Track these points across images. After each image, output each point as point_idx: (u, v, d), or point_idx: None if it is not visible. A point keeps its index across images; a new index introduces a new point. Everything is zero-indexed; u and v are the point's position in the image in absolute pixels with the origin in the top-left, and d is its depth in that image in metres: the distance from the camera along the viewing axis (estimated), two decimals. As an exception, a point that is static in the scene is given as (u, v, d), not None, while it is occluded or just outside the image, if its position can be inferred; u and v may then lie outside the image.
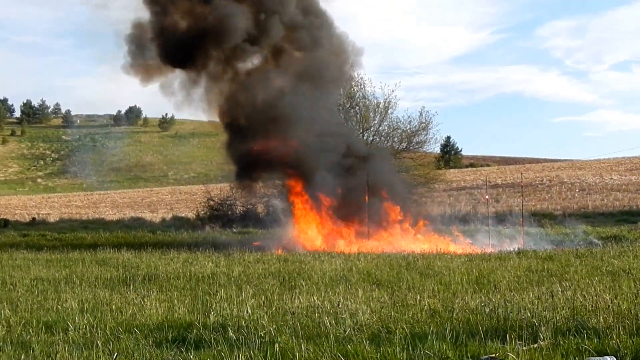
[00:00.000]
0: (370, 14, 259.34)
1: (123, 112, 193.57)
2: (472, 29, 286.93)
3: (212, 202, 43.57)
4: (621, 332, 8.44)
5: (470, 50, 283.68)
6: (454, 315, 9.81)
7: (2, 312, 10.67)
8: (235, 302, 11.23)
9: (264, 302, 11.23)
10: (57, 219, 48.24)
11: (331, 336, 8.56)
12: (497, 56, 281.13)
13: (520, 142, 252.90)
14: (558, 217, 37.57)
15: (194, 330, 9.10)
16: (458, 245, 25.30)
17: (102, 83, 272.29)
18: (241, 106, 28.39)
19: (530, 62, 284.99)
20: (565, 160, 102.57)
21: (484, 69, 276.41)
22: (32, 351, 8.28)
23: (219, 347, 8.13)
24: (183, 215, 48.77)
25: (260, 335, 8.64)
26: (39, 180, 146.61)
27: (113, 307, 11.06)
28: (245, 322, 9.45)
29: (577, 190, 55.76)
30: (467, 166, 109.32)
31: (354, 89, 43.42)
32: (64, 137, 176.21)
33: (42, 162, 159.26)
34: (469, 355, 7.75)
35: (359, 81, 43.37)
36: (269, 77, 28.94)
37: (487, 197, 39.18)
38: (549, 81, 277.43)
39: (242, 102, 28.36)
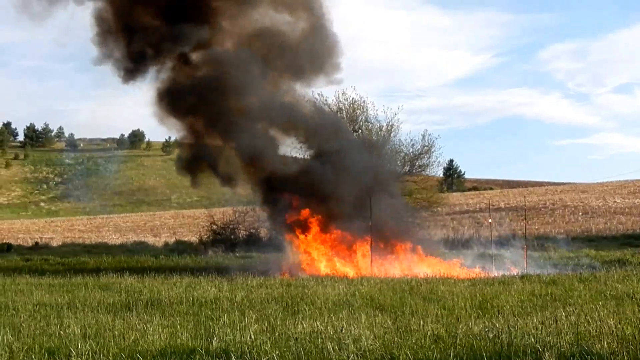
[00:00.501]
0: (371, 37, 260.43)
1: (126, 135, 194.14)
2: (473, 52, 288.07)
3: (215, 226, 43.55)
4: (626, 358, 8.40)
5: (471, 73, 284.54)
6: (458, 340, 9.77)
7: (5, 337, 10.65)
8: (238, 328, 11.21)
9: (267, 328, 11.20)
10: (60, 243, 48.21)
11: (334, 362, 8.53)
12: (499, 79, 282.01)
13: (523, 165, 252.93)
14: (561, 240, 37.47)
15: (197, 356, 9.08)
16: (461, 269, 25.23)
17: (104, 107, 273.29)
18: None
19: (531, 85, 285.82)
20: (569, 183, 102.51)
21: (486, 92, 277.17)
22: (35, 378, 8.26)
23: (222, 374, 8.11)
24: (186, 239, 48.72)
25: (263, 361, 8.62)
26: (42, 204, 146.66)
27: (116, 332, 11.03)
28: (248, 348, 9.42)
29: (580, 213, 55.69)
30: (470, 189, 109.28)
31: (356, 113, 43.45)
32: (67, 160, 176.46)
33: (45, 186, 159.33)
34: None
35: (362, 104, 43.43)
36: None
37: (490, 220, 39.13)
38: (551, 104, 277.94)
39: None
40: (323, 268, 25.45)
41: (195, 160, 29.06)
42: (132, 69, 28.36)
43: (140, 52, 27.98)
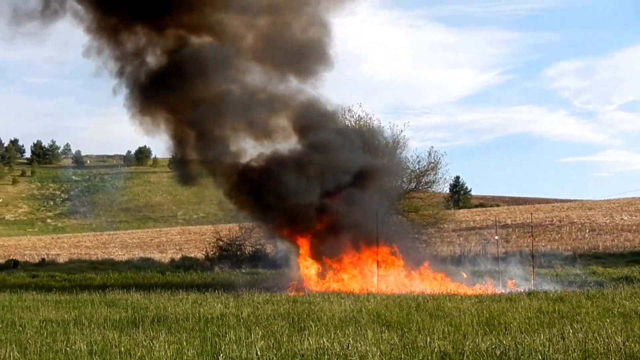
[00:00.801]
0: (377, 55, 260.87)
1: (133, 152, 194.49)
2: (479, 69, 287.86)
3: (221, 242, 43.53)
4: (634, 375, 8.37)
5: (477, 91, 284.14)
6: (465, 357, 9.74)
7: (11, 354, 10.65)
8: (244, 344, 11.18)
9: (273, 344, 11.17)
10: (67, 260, 48.24)
11: (341, 379, 8.51)
12: (505, 97, 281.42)
13: (529, 182, 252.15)
14: (568, 257, 37.34)
15: (203, 373, 9.06)
16: (468, 286, 25.16)
17: (111, 124, 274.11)
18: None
19: (538, 102, 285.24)
20: (575, 200, 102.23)
21: (492, 110, 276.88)
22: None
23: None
24: (192, 255, 48.69)
25: (270, 377, 8.60)
26: (48, 220, 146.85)
27: (122, 349, 11.02)
28: (254, 365, 9.41)
29: (587, 230, 55.50)
30: (476, 206, 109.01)
31: (362, 129, 43.44)
32: (73, 177, 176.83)
33: (51, 203, 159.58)
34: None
35: (368, 121, 43.42)
36: None
37: (496, 237, 39.03)
38: (557, 121, 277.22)
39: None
40: (329, 284, 25.44)
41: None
42: (118, 70, 28.40)
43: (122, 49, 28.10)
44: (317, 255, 26.84)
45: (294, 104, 28.89)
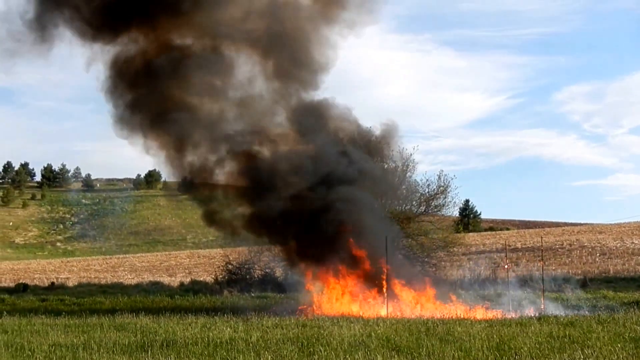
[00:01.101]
0: (386, 79, 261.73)
1: (142, 175, 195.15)
2: (489, 93, 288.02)
3: (230, 266, 43.49)
4: (646, 402, 8.31)
5: (487, 115, 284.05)
6: (475, 383, 9.70)
7: (21, 378, 10.66)
8: (253, 369, 11.17)
9: (282, 369, 11.15)
10: (76, 284, 48.25)
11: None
12: (515, 120, 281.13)
13: (539, 206, 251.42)
14: (579, 281, 37.16)
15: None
16: (478, 310, 25.05)
17: (120, 147, 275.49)
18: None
19: (548, 126, 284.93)
20: (586, 224, 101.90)
21: (502, 133, 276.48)
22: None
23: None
24: (201, 279, 48.66)
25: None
26: (58, 244, 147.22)
27: (131, 373, 11.02)
28: (263, 390, 9.38)
29: (597, 254, 55.24)
30: (486, 230, 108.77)
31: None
32: (83, 201, 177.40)
33: (61, 226, 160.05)
34: None
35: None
36: None
37: (507, 262, 38.86)
38: (567, 145, 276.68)
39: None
40: (338, 308, 25.38)
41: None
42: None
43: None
44: (326, 279, 26.80)
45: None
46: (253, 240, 33.11)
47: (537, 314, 22.25)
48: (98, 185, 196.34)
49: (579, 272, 44.34)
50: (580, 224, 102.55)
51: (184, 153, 27.70)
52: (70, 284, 48.34)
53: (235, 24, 27.67)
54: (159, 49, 27.72)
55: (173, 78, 26.88)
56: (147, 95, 27.16)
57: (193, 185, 30.38)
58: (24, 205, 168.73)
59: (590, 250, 58.04)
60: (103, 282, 50.48)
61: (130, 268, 70.47)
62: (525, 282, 33.93)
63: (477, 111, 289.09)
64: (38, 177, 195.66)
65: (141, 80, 27.34)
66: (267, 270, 42.07)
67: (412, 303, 26.01)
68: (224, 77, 27.76)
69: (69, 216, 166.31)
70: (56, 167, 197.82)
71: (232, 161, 27.80)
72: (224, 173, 28.07)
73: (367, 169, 28.71)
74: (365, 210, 27.23)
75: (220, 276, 43.51)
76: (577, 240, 66.72)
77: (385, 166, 42.82)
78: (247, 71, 28.47)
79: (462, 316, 21.98)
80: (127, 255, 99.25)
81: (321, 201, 26.28)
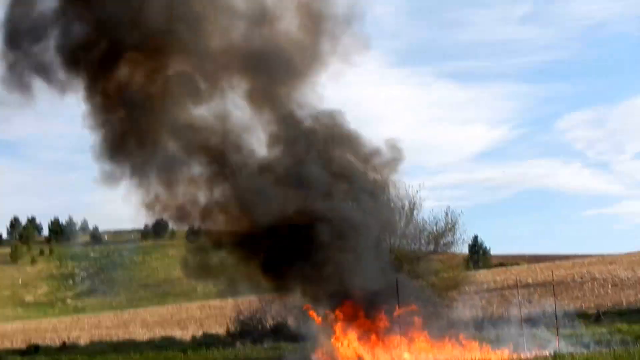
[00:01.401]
0: (387, 115, 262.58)
1: (150, 226, 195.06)
2: (491, 125, 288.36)
3: (241, 317, 43.26)
4: None
5: (490, 147, 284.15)
6: None
7: None
8: None
9: None
10: (88, 342, 48.12)
11: None
12: (519, 151, 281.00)
13: (548, 238, 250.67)
14: (592, 315, 36.99)
15: None
16: (492, 350, 24.91)
17: (128, 197, 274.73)
18: None
19: (552, 155, 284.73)
20: (596, 255, 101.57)
21: (507, 165, 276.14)
22: None
23: None
24: (213, 332, 48.48)
25: None
26: (68, 300, 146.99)
27: None
28: None
29: (609, 286, 55.02)
30: (496, 265, 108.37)
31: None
32: (92, 254, 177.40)
33: (71, 282, 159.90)
34: None
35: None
36: None
37: (519, 298, 38.71)
38: (572, 174, 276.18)
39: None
40: (352, 355, 25.25)
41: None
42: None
43: None
44: (339, 324, 26.67)
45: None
46: (262, 287, 32.94)
47: (552, 353, 22.13)
48: (106, 237, 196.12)
49: (592, 305, 44.18)
50: (591, 255, 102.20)
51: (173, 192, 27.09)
52: (82, 342, 48.26)
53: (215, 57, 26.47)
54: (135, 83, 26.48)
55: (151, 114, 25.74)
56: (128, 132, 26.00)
57: (195, 233, 30.11)
58: (33, 262, 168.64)
59: (602, 282, 57.82)
60: (115, 339, 50.35)
61: (142, 323, 70.30)
62: (538, 319, 33.77)
63: (480, 143, 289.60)
64: (45, 232, 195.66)
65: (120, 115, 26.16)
66: (279, 319, 41.85)
67: (428, 347, 25.91)
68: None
69: (78, 271, 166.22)
70: (63, 219, 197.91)
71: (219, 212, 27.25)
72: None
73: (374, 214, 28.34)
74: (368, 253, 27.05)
75: (232, 328, 43.30)
76: (588, 272, 66.49)
77: (392, 205, 42.86)
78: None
79: (478, 358, 21.85)
80: (138, 309, 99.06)
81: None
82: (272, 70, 26.46)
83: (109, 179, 26.37)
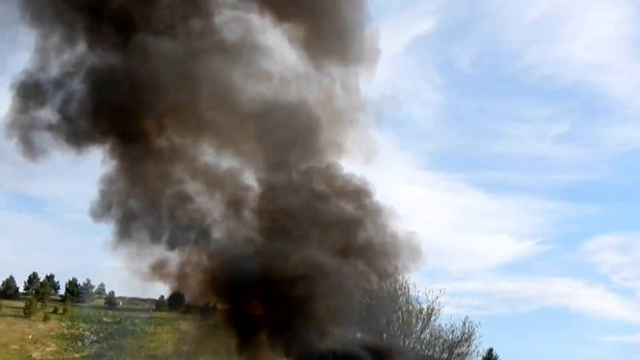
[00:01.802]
0: (415, 217, 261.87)
1: (166, 297, 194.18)
2: (517, 237, 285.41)
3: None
4: None
5: (514, 260, 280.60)
6: None
7: None
8: None
9: None
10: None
11: None
12: (543, 267, 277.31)
13: (563, 358, 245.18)
14: None
15: None
16: None
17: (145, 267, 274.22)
18: None
19: (576, 275, 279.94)
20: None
21: (529, 280, 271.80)
22: None
23: None
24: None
25: None
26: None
27: None
28: None
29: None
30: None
31: (397, 293, 43.05)
32: (105, 319, 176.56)
33: (80, 343, 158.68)
34: None
35: (404, 285, 43.07)
36: None
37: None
38: (595, 297, 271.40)
39: None
40: None
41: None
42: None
43: None
44: None
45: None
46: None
47: None
48: (120, 303, 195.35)
49: None
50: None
51: None
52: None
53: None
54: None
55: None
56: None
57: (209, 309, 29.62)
58: (45, 319, 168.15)
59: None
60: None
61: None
62: None
63: (504, 255, 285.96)
64: (62, 291, 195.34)
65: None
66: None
67: None
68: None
69: (89, 333, 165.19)
70: (81, 281, 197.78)
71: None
72: None
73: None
74: None
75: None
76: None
77: (410, 307, 42.42)
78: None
79: None
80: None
81: None
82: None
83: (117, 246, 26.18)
